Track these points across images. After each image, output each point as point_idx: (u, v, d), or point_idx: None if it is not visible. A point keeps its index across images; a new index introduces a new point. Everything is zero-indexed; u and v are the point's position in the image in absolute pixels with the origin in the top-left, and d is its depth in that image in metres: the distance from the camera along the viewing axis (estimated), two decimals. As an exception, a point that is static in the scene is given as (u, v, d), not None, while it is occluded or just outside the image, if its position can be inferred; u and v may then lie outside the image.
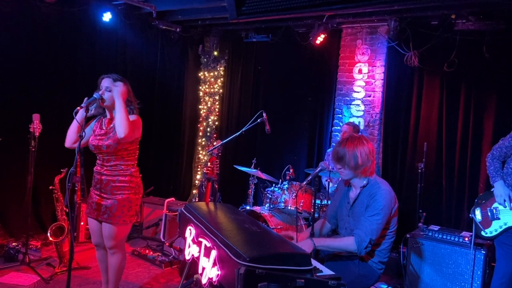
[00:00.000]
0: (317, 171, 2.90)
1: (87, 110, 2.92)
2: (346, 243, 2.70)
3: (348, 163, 2.74)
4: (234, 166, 5.15)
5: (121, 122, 2.95)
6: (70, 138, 3.13)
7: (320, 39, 5.49)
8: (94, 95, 3.01)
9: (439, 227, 3.93)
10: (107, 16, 5.34)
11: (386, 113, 5.40)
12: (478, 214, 3.39)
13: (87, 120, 3.08)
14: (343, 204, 2.97)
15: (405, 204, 5.08)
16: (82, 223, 4.99)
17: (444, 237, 3.71)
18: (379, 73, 5.39)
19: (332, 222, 3.11)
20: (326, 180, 4.53)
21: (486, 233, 3.31)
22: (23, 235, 4.53)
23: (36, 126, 4.20)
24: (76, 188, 4.74)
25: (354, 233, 2.70)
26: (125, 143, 3.08)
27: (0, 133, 4.40)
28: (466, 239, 3.60)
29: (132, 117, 3.09)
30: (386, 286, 4.26)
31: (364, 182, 2.81)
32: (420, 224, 4.00)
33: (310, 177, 2.90)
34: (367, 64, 5.46)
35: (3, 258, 4.30)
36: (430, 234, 3.80)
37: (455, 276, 3.60)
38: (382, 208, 2.68)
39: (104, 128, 3.15)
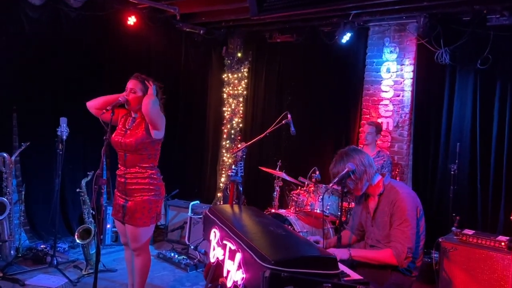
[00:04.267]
0: (343, 173, 2.79)
1: (112, 111, 2.98)
2: (385, 255, 2.61)
3: (346, 183, 2.73)
4: (259, 167, 5.10)
5: (148, 101, 3.02)
6: (98, 102, 3.18)
7: (346, 38, 5.36)
8: (119, 98, 3.08)
9: (473, 231, 3.75)
10: (132, 20, 5.40)
11: (416, 113, 5.23)
12: (518, 217, 3.21)
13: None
14: (364, 214, 2.92)
15: (437, 207, 4.91)
16: (108, 226, 5.03)
17: (479, 241, 3.53)
18: (408, 71, 5.22)
19: (356, 233, 3.05)
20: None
21: (527, 237, 3.13)
22: (51, 238, 4.60)
23: (63, 129, 4.26)
24: (102, 191, 4.78)
25: (390, 246, 2.61)
26: (146, 142, 3.08)
27: (28, 137, 4.47)
28: (503, 243, 3.42)
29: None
30: (417, 293, 4.10)
31: (380, 189, 2.75)
32: (453, 228, 3.83)
33: (337, 179, 2.80)
34: (395, 63, 5.30)
35: (31, 260, 4.37)
36: (464, 238, 3.63)
37: (491, 282, 3.42)
38: (407, 213, 2.59)
39: (127, 126, 3.18)
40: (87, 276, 4.11)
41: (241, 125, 6.95)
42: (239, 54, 6.78)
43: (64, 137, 4.26)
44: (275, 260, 1.84)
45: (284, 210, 4.72)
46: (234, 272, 2.13)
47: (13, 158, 4.34)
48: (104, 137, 2.93)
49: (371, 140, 4.84)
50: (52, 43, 4.89)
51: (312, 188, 4.46)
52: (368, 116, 5.53)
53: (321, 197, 4.31)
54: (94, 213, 4.26)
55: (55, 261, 4.24)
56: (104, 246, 4.98)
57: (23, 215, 4.57)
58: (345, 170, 2.81)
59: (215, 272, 3.23)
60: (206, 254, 4.39)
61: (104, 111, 2.99)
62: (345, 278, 2.11)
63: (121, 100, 3.06)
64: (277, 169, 4.95)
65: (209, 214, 2.82)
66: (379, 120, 5.39)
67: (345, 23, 5.30)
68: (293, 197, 4.68)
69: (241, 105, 6.92)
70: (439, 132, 5.04)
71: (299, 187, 4.75)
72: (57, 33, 4.91)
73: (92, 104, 3.20)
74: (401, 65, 5.27)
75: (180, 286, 4.11)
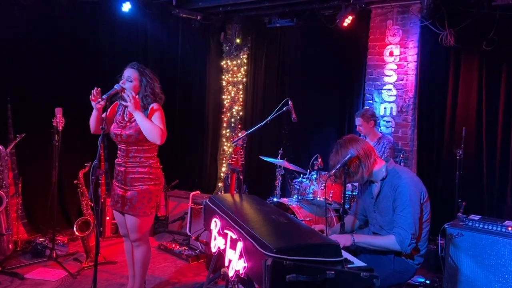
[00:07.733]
0: (346, 159, 2.70)
1: (107, 101, 2.94)
2: (388, 242, 2.58)
3: (343, 174, 2.68)
4: (260, 157, 5.02)
5: (150, 131, 2.92)
6: (92, 127, 3.15)
7: (347, 21, 5.24)
8: (115, 86, 3.01)
9: (480, 216, 3.68)
10: (126, 6, 5.29)
11: (421, 97, 5.14)
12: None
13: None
14: (367, 200, 2.89)
15: (443, 193, 4.85)
16: (107, 218, 4.97)
17: (486, 227, 3.46)
18: (412, 54, 5.10)
19: (360, 218, 3.04)
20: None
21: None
22: (50, 231, 4.54)
23: (59, 120, 4.19)
24: (101, 182, 4.71)
25: (393, 232, 2.58)
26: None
27: (23, 128, 4.39)
28: (510, 228, 3.35)
29: (155, 106, 3.05)
30: (423, 280, 4.04)
31: (383, 174, 2.70)
32: (459, 214, 3.76)
33: (339, 165, 2.71)
34: (398, 46, 5.18)
35: (30, 253, 4.31)
36: (470, 224, 3.55)
37: (498, 267, 3.35)
38: (409, 199, 2.56)
39: (126, 117, 3.13)
40: (87, 268, 4.06)
41: (241, 113, 6.86)
42: (238, 40, 6.65)
43: (60, 128, 4.18)
44: (277, 248, 1.82)
45: (287, 199, 4.66)
46: (235, 262, 2.12)
47: (8, 150, 4.26)
48: (101, 126, 2.89)
49: (366, 131, 4.67)
50: (44, 31, 4.79)
51: (315, 176, 4.39)
52: (371, 101, 5.43)
53: (323, 184, 4.24)
54: (92, 204, 4.20)
55: (54, 254, 4.19)
56: (104, 238, 4.92)
57: (21, 208, 4.51)
58: (347, 157, 2.70)
59: (216, 262, 3.19)
60: (207, 244, 4.34)
61: (101, 127, 2.89)
62: (349, 265, 2.08)
63: (117, 88, 2.99)
64: (279, 157, 4.87)
65: (210, 204, 2.78)
66: (383, 106, 5.30)
67: (346, 6, 5.17)
68: (295, 185, 4.61)
69: (240, 92, 6.82)
70: (444, 117, 4.97)
71: (301, 175, 4.67)
72: (49, 21, 4.81)
73: (91, 128, 3.16)
74: (405, 48, 5.15)
75: (182, 277, 4.06)
